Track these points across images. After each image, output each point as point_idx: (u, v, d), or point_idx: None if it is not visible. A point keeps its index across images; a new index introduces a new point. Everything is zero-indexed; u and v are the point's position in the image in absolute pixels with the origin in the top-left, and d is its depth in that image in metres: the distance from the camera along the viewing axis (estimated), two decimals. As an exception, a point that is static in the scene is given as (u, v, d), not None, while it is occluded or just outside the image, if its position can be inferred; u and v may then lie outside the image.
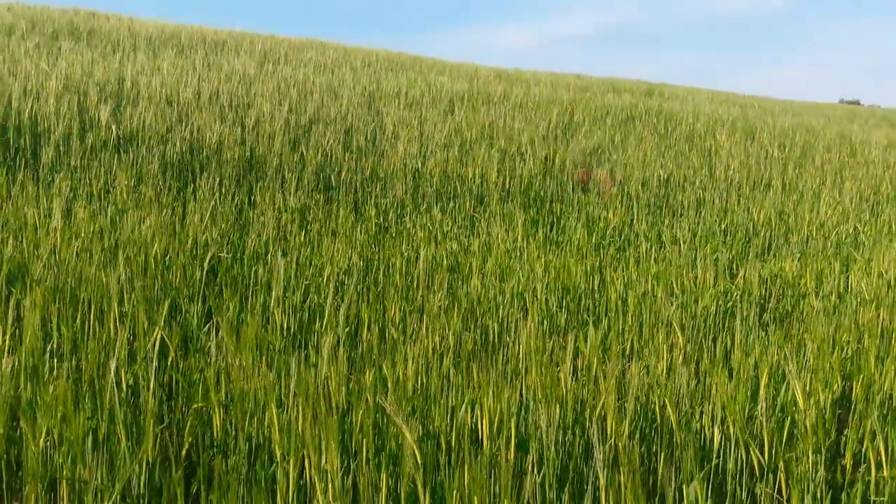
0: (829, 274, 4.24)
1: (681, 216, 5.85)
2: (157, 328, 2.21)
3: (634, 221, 5.41)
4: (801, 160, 8.72)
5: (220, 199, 4.72)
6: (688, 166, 7.53)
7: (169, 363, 2.39)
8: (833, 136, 11.03)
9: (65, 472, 1.78)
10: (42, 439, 1.77)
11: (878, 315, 3.41)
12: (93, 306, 2.58)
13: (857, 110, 22.05)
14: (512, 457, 1.83)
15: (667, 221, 5.56)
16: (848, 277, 4.14)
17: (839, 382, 2.64)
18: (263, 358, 2.07)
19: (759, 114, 13.42)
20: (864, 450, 2.22)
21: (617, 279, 3.72)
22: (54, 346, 2.34)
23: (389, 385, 2.15)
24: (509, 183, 6.13)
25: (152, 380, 1.96)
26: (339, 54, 13.21)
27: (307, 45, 14.14)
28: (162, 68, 8.44)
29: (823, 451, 2.21)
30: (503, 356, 2.74)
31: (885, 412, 2.50)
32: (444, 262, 3.93)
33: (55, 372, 2.09)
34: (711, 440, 2.26)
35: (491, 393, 1.88)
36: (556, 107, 9.81)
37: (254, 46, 12.23)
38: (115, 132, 5.63)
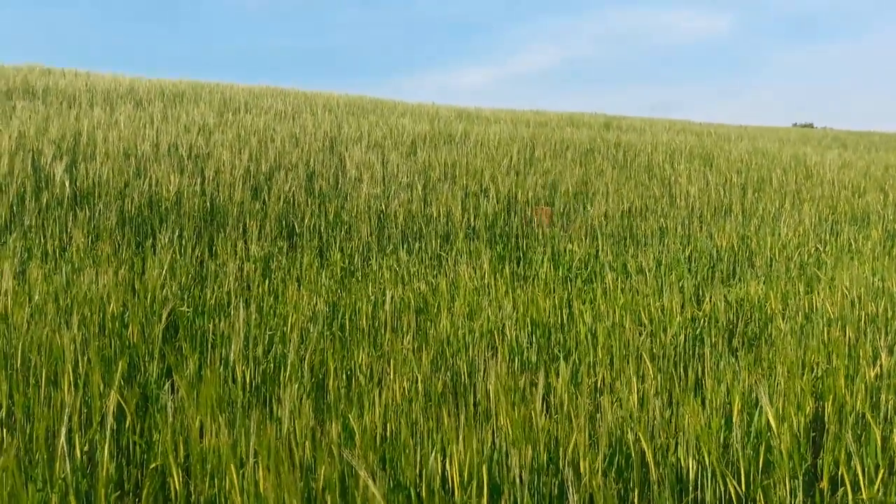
0: (794, 295, 4.27)
1: (645, 245, 5.88)
2: (113, 391, 2.12)
3: (599, 253, 5.42)
4: (759, 184, 8.87)
5: (179, 251, 4.64)
6: (649, 196, 7.61)
7: (127, 426, 2.30)
8: (788, 159, 11.26)
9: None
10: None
11: (845, 334, 3.43)
12: (44, 371, 2.48)
13: (811, 133, 22.61)
14: (484, 504, 1.77)
15: (631, 251, 5.58)
16: (812, 298, 4.17)
17: (811, 404, 2.63)
18: (224, 415, 2.00)
19: (716, 140, 13.68)
20: (839, 473, 2.20)
21: (585, 312, 3.70)
22: (3, 415, 2.24)
23: (357, 436, 2.08)
24: (474, 220, 6.13)
25: (107, 445, 1.87)
26: (299, 101, 13.24)
27: (267, 92, 14.15)
28: (119, 122, 8.36)
29: (800, 476, 2.18)
30: (473, 398, 2.69)
31: (858, 432, 2.48)
32: (412, 303, 3.89)
33: (3, 444, 1.99)
34: (688, 472, 2.23)
35: (461, 439, 1.83)
36: (516, 143, 9.89)
37: (213, 96, 12.21)
38: (70, 189, 5.53)
